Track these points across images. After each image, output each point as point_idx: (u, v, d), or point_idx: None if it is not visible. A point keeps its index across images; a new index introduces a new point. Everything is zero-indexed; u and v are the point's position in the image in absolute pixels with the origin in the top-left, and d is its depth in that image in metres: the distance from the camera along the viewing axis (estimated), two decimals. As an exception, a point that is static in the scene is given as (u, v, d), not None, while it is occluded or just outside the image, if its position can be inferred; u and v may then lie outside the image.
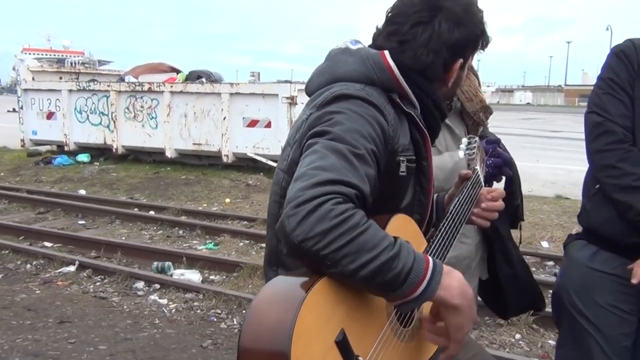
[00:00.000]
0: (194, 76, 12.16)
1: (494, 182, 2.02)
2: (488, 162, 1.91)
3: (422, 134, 1.34)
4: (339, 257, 1.01)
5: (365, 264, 1.01)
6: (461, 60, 1.37)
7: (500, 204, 1.58)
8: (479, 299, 2.20)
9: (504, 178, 2.04)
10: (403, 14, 1.33)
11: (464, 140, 1.63)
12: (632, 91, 1.68)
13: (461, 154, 1.60)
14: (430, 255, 1.22)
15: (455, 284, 1.13)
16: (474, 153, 1.59)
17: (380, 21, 1.41)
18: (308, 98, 1.39)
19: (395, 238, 1.07)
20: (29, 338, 3.79)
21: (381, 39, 1.36)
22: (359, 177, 1.09)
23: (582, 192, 1.88)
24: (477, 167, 1.62)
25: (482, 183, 1.62)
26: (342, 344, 1.02)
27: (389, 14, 1.37)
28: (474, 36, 1.36)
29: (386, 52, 1.30)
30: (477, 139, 1.66)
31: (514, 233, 2.15)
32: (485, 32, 1.38)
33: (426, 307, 1.28)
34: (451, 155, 1.96)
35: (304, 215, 1.00)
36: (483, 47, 1.42)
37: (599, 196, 1.77)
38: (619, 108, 1.68)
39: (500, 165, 1.93)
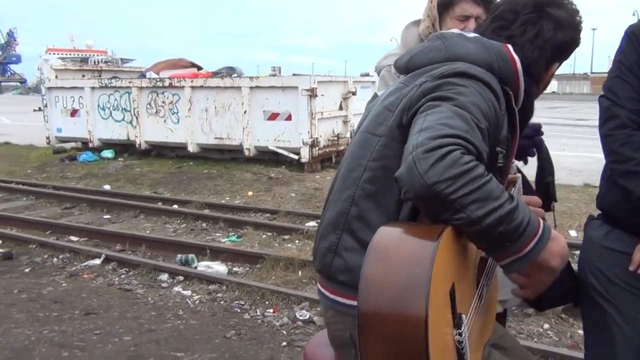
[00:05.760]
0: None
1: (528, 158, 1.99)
2: None
3: (514, 133, 1.36)
4: (467, 202, 1.04)
5: (492, 211, 1.05)
6: (557, 64, 1.44)
7: (540, 211, 1.64)
8: None
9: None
10: (513, 11, 1.39)
11: None
12: None
13: None
14: None
15: (559, 250, 1.19)
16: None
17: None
18: (379, 77, 1.39)
19: (510, 194, 1.10)
20: (55, 329, 3.84)
21: (488, 32, 1.40)
22: (479, 142, 1.13)
23: (601, 175, 1.88)
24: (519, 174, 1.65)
25: (522, 189, 1.69)
26: (452, 297, 1.05)
27: (496, 11, 1.42)
28: (573, 41, 1.42)
29: (509, 46, 1.33)
30: None
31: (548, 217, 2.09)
32: (580, 40, 1.44)
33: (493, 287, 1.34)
34: None
35: (436, 159, 1.03)
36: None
37: (611, 179, 1.77)
38: (627, 91, 1.68)
39: (530, 135, 1.89)
